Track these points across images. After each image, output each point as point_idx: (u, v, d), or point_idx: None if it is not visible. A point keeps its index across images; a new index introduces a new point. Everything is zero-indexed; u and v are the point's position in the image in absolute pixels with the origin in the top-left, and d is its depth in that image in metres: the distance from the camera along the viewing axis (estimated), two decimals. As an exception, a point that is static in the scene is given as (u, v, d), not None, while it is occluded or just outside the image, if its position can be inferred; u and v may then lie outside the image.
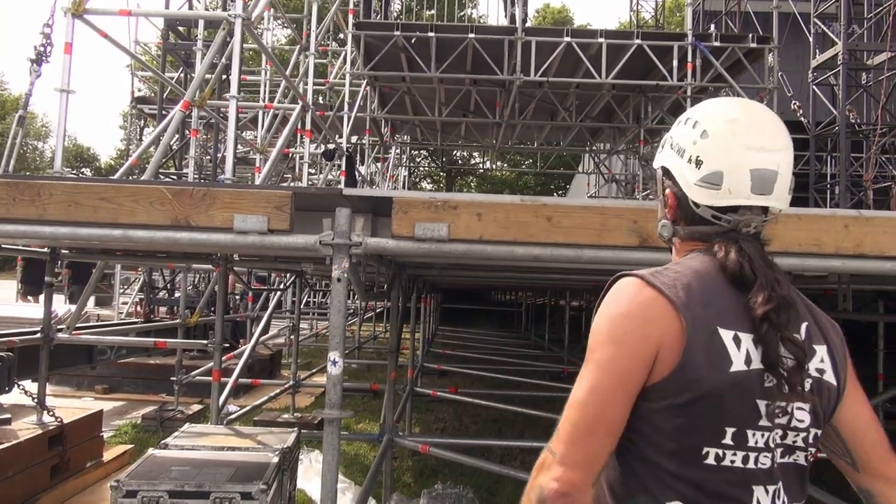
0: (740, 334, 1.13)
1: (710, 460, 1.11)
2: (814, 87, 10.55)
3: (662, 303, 1.13)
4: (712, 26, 10.80)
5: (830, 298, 4.87)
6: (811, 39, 10.65)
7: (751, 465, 1.12)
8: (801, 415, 1.16)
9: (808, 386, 1.16)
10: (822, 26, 10.27)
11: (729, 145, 1.22)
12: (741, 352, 1.12)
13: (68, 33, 4.72)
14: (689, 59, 8.76)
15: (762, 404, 1.12)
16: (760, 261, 1.19)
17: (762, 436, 1.13)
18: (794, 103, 10.50)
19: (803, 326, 1.21)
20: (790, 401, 1.13)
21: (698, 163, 1.24)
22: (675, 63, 8.77)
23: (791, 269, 2.51)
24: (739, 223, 1.23)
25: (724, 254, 1.20)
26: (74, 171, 36.39)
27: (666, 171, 1.33)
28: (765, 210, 1.25)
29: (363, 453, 6.48)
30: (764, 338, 1.12)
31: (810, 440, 1.19)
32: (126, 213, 2.31)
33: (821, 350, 1.22)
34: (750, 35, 8.98)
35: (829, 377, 1.21)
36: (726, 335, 1.12)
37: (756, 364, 1.12)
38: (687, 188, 1.26)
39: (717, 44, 8.84)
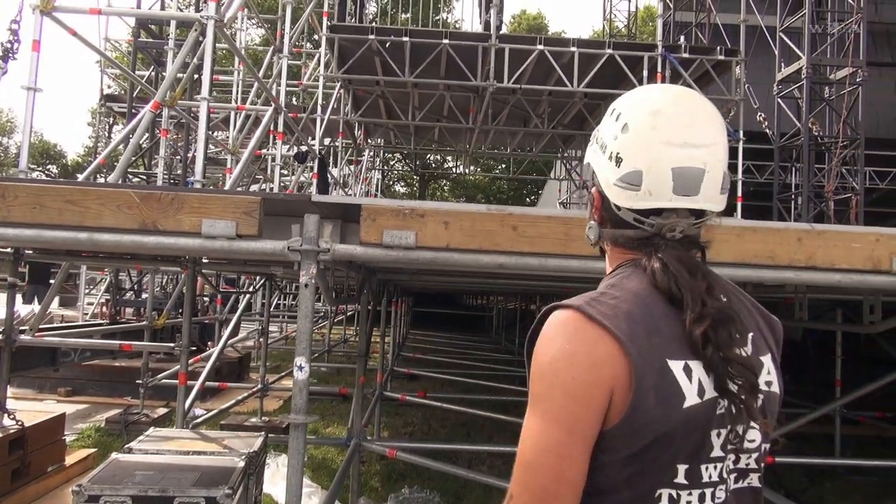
0: (690, 363, 1.02)
1: (664, 502, 1.02)
2: (779, 99, 10.81)
3: (608, 340, 0.99)
4: (682, 38, 10.98)
5: (790, 307, 5.00)
6: (777, 53, 10.92)
7: (707, 502, 1.04)
8: (752, 434, 1.08)
9: (759, 403, 1.07)
10: (788, 41, 10.54)
11: (648, 141, 1.09)
12: (693, 383, 1.01)
13: (36, 30, 4.65)
14: (660, 69, 8.92)
15: (714, 434, 1.04)
16: (685, 273, 1.06)
17: (715, 468, 1.04)
18: (760, 115, 10.75)
19: (749, 338, 1.12)
20: (744, 424, 1.04)
21: (618, 160, 1.11)
22: (645, 73, 8.92)
23: (748, 280, 2.59)
24: (663, 227, 1.10)
25: (650, 269, 1.08)
26: (40, 169, 35.61)
27: (591, 169, 1.21)
28: (694, 212, 1.11)
29: (331, 457, 6.47)
30: (711, 362, 1.01)
31: (762, 458, 1.12)
32: (93, 216, 2.30)
33: (766, 360, 1.14)
34: (718, 48, 9.18)
35: (775, 387, 1.14)
36: (676, 367, 1.01)
37: (710, 394, 1.02)
38: (607, 188, 1.15)
39: (686, 55, 9.01)
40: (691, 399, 1.00)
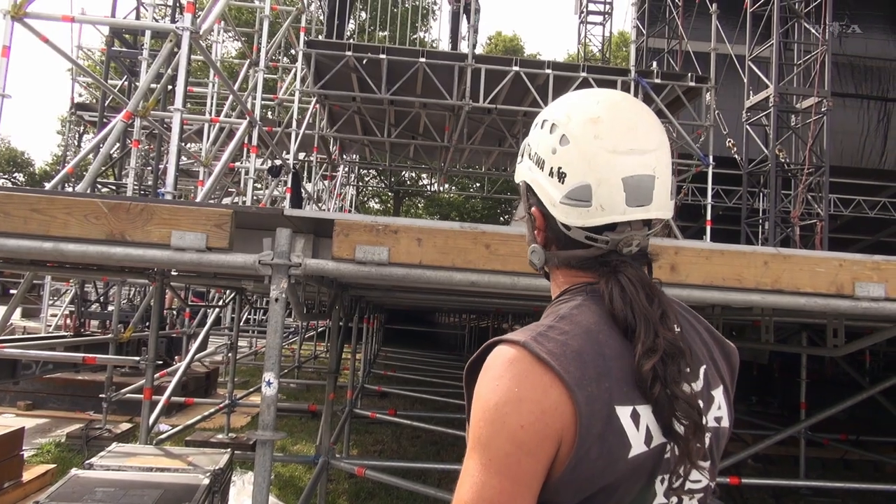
0: (638, 408, 0.94)
1: None
2: (747, 126, 11.07)
3: (556, 386, 0.91)
4: (654, 63, 11.23)
5: (756, 330, 5.08)
6: (745, 81, 11.19)
7: None
8: (697, 475, 0.99)
9: (707, 442, 1.02)
10: (756, 69, 10.82)
11: (593, 151, 1.00)
12: (640, 431, 0.94)
13: (6, 36, 4.59)
14: (632, 93, 9.08)
15: (658, 481, 0.97)
16: (643, 298, 1.00)
17: None
18: (729, 141, 10.98)
19: (701, 371, 1.05)
20: (688, 466, 0.96)
21: (561, 176, 1.02)
22: (618, 97, 9.06)
23: (716, 302, 2.63)
24: (619, 243, 1.03)
25: (608, 294, 1.01)
26: (6, 176, 34.86)
27: (528, 187, 1.10)
28: (647, 222, 1.04)
29: (298, 475, 6.38)
30: (659, 403, 0.95)
31: (706, 497, 1.05)
32: (59, 225, 2.26)
33: (718, 394, 1.07)
34: (689, 74, 9.39)
35: (725, 422, 1.08)
36: (623, 414, 0.93)
37: (657, 440, 0.95)
38: (552, 207, 1.05)
39: (658, 81, 9.20)
40: (637, 448, 0.93)
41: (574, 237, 1.05)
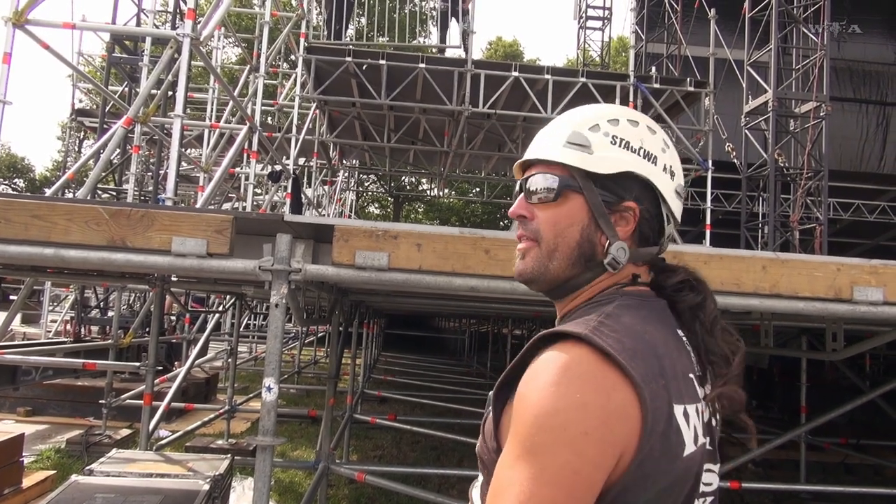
0: (688, 407, 0.93)
1: None
2: (746, 130, 11.09)
3: (623, 386, 0.86)
4: (654, 68, 11.27)
5: (756, 334, 5.09)
6: (744, 86, 11.23)
7: None
8: (709, 477, 0.99)
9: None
10: (755, 74, 10.85)
11: (677, 157, 1.11)
12: (691, 429, 0.93)
13: (7, 43, 4.61)
14: (631, 98, 9.10)
15: (701, 478, 0.96)
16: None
17: None
18: (728, 145, 11.00)
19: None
20: (706, 466, 0.96)
21: (672, 173, 1.07)
22: (617, 102, 9.08)
23: (715, 306, 2.63)
24: (669, 237, 1.09)
25: (688, 303, 1.03)
26: (6, 182, 34.89)
27: (627, 176, 1.05)
28: None
29: (298, 481, 6.37)
30: (708, 402, 0.96)
31: (717, 502, 1.03)
32: (60, 231, 2.27)
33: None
34: (688, 79, 9.41)
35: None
36: (679, 412, 0.91)
37: (701, 439, 0.95)
38: (671, 199, 1.06)
39: (657, 86, 9.21)
40: (689, 446, 0.91)
41: (669, 232, 1.07)
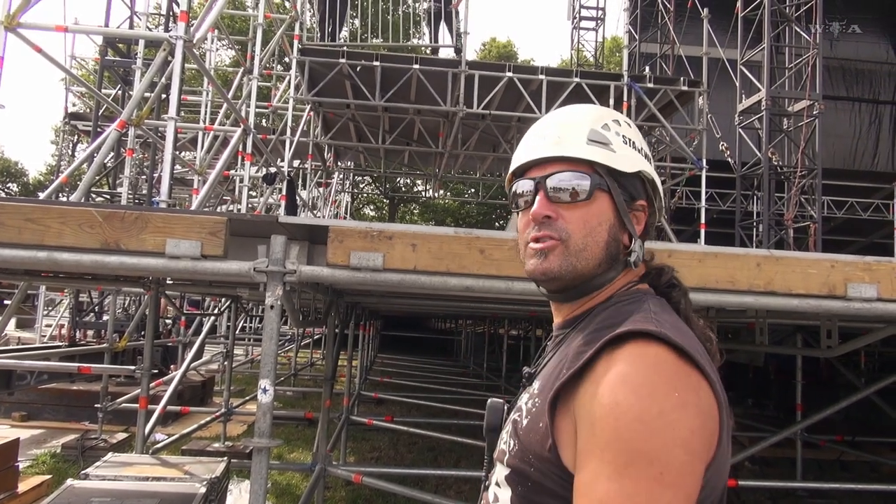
0: None
1: None
2: (740, 129, 11.12)
3: (704, 384, 0.87)
4: (647, 68, 11.29)
5: (751, 332, 5.10)
6: (738, 85, 11.26)
7: None
8: None
9: None
10: (748, 73, 10.88)
11: None
12: None
13: (0, 46, 4.59)
14: (625, 98, 9.11)
15: None
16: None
17: None
18: (722, 144, 11.03)
19: None
20: None
21: (657, 172, 1.12)
22: (611, 102, 9.09)
23: (709, 304, 2.64)
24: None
25: (682, 293, 1.06)
26: (0, 187, 34.76)
27: (635, 177, 1.07)
28: None
29: (295, 483, 6.36)
30: None
31: None
32: (53, 234, 2.26)
33: None
34: (682, 78, 9.42)
35: None
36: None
37: None
38: (661, 197, 1.11)
39: (650, 85, 9.22)
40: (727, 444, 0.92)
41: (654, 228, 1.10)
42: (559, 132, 1.06)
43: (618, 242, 1.04)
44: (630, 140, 1.07)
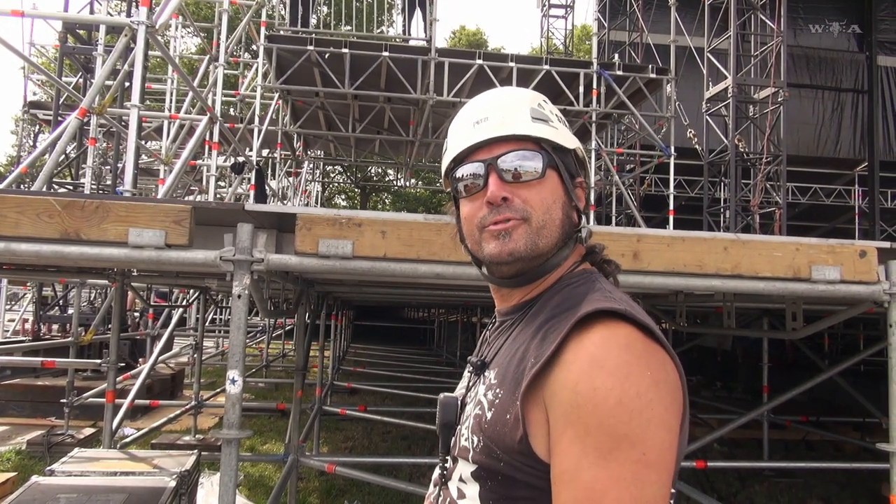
0: None
1: None
2: (707, 117, 11.26)
3: (669, 360, 0.87)
4: (616, 56, 11.35)
5: (719, 316, 5.18)
6: (705, 73, 11.38)
7: None
8: None
9: None
10: (715, 61, 11.01)
11: None
12: None
13: (-48, 32, 4.43)
14: (595, 86, 9.16)
15: None
16: None
17: None
18: (690, 131, 11.16)
19: None
20: None
21: None
22: (581, 89, 9.14)
23: (678, 288, 2.67)
24: None
25: (614, 269, 1.06)
26: (-43, 178, 33.78)
27: (574, 154, 1.05)
28: None
29: (269, 475, 6.31)
30: None
31: None
32: (10, 224, 2.18)
33: None
34: (650, 66, 9.50)
35: None
36: None
37: None
38: (589, 176, 1.12)
39: (619, 73, 9.28)
40: None
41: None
42: (502, 113, 1.02)
43: (570, 220, 1.02)
44: (560, 118, 1.06)
